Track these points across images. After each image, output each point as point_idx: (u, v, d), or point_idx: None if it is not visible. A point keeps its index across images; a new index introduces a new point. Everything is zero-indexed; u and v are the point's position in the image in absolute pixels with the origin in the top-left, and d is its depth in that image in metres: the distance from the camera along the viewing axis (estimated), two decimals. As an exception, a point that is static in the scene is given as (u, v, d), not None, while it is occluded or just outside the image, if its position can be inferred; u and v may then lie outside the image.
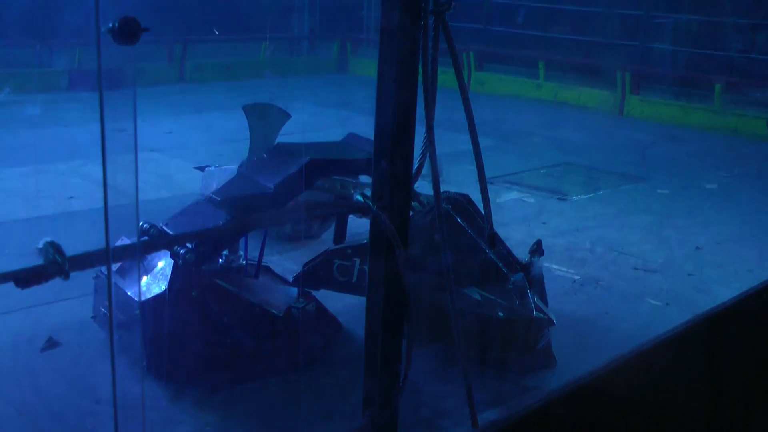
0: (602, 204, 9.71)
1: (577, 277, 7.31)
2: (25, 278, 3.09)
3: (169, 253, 5.17)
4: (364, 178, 6.59)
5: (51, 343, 5.64)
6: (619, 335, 6.16)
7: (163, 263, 5.33)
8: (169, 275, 5.15)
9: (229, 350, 5.28)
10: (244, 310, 5.35)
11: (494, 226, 5.05)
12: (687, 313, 6.50)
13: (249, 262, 5.76)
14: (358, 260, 5.72)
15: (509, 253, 5.84)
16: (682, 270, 7.61)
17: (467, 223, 5.67)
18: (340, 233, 5.99)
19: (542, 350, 5.70)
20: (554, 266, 7.48)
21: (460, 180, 9.50)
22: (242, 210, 5.28)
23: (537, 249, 5.93)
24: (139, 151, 3.39)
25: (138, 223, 5.03)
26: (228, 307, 5.30)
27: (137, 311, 5.08)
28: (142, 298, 5.12)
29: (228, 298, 5.33)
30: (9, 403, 5.00)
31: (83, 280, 5.16)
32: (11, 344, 5.70)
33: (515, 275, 5.64)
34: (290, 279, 5.89)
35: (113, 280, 5.29)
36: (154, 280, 5.29)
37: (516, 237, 8.15)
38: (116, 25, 2.71)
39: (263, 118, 7.72)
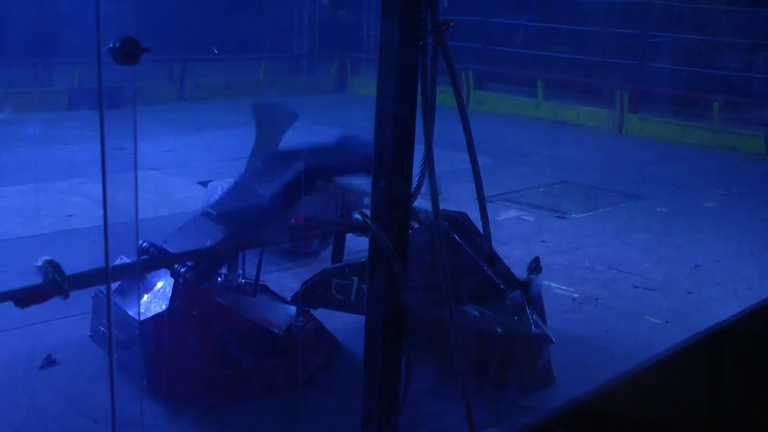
0: (601, 222, 9.72)
1: (576, 296, 7.30)
2: (24, 297, 3.09)
3: (168, 271, 5.17)
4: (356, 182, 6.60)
5: (49, 361, 5.63)
6: (619, 353, 6.15)
7: (162, 282, 5.32)
8: (170, 294, 5.14)
9: (228, 369, 5.26)
10: (245, 329, 5.33)
11: (493, 245, 5.06)
12: (686, 331, 6.50)
13: (246, 280, 5.75)
14: (356, 279, 5.71)
15: (507, 270, 5.84)
16: (681, 288, 7.60)
17: (465, 241, 5.67)
18: (339, 252, 5.99)
19: (541, 368, 5.69)
20: (553, 284, 7.48)
21: (459, 198, 9.51)
22: (239, 225, 5.29)
23: (535, 266, 5.93)
24: (138, 170, 3.39)
25: (137, 242, 5.03)
26: (228, 326, 5.29)
27: (137, 330, 5.06)
28: (142, 317, 5.10)
29: (228, 316, 5.32)
30: (6, 421, 4.98)
31: (82, 298, 5.16)
32: (9, 362, 5.68)
33: (513, 292, 5.64)
34: (288, 297, 5.88)
35: (112, 299, 5.28)
36: (153, 298, 5.27)
37: (515, 255, 8.15)
38: (117, 45, 2.73)
39: (271, 118, 7.68)
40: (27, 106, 15.00)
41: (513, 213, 9.91)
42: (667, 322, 6.82)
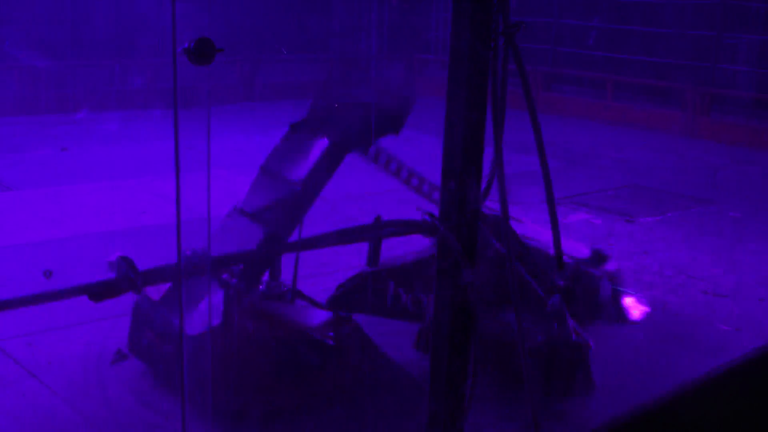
0: (671, 226, 9.57)
1: (644, 300, 7.20)
2: (98, 292, 3.18)
3: (209, 281, 4.74)
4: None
5: (120, 356, 5.74)
6: (688, 360, 6.05)
7: (207, 293, 4.99)
8: (221, 305, 4.86)
9: (283, 381, 5.08)
10: (297, 340, 5.13)
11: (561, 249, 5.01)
12: (759, 339, 6.37)
13: (286, 287, 5.50)
14: (392, 283, 5.62)
15: (545, 273, 5.72)
16: (753, 295, 7.44)
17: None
18: (374, 256, 5.85)
19: (581, 374, 5.61)
20: (621, 289, 7.39)
21: (527, 200, 9.48)
22: (277, 223, 4.92)
23: (598, 257, 5.70)
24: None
25: (208, 241, 4.98)
26: (281, 337, 5.08)
27: (191, 344, 4.84)
28: (194, 332, 4.85)
29: (279, 327, 5.11)
30: (79, 412, 5.11)
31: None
32: (82, 355, 5.82)
33: (552, 297, 5.54)
34: (320, 301, 5.73)
35: (158, 309, 5.13)
36: (204, 311, 4.99)
37: (583, 259, 8.09)
38: (192, 45, 2.78)
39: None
40: (103, 106, 15.34)
41: (581, 215, 9.82)
42: (738, 329, 6.68)
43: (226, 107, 15.90)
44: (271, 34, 18.64)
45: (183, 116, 2.97)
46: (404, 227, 5.47)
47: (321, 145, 4.95)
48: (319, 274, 7.26)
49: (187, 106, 2.99)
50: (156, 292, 5.19)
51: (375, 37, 21.15)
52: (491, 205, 4.16)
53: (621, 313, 6.70)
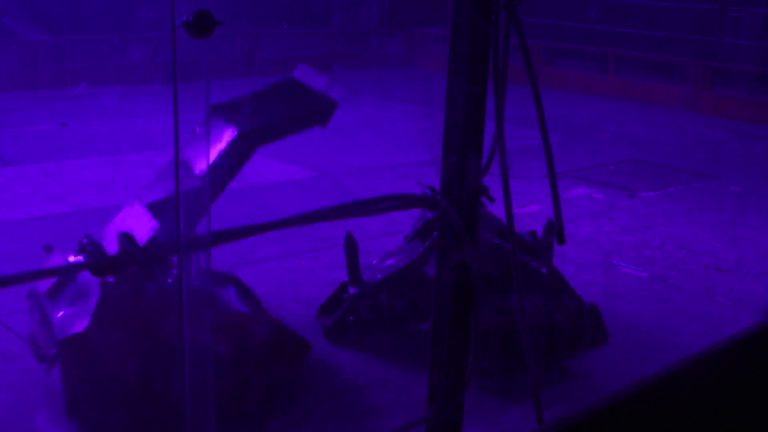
0: (672, 201, 9.56)
1: (645, 275, 7.21)
2: (101, 267, 3.18)
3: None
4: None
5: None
6: (689, 335, 6.07)
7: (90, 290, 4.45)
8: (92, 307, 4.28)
9: (172, 393, 4.33)
10: (187, 346, 3.96)
11: (562, 222, 5.01)
12: (759, 313, 6.38)
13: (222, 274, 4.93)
14: (384, 295, 5.57)
15: (527, 242, 5.75)
16: (754, 270, 7.45)
17: (485, 228, 5.46)
18: (354, 268, 5.63)
19: (600, 330, 5.70)
20: (622, 264, 7.40)
21: (528, 175, 9.47)
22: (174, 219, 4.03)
23: (551, 229, 5.68)
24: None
25: (208, 214, 4.75)
26: (166, 340, 4.29)
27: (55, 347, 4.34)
28: (61, 335, 4.29)
29: (166, 328, 4.30)
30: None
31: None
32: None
33: (543, 269, 5.54)
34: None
35: (42, 302, 4.68)
36: (78, 310, 4.40)
37: (584, 233, 8.09)
38: (191, 18, 2.76)
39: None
40: (102, 80, 15.29)
41: (582, 190, 9.81)
42: (738, 304, 6.69)
43: (225, 82, 15.84)
44: (272, 8, 18.54)
45: (182, 90, 2.95)
46: (405, 201, 5.45)
47: (230, 134, 4.48)
48: (322, 248, 7.28)
49: (186, 80, 2.98)
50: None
51: (376, 10, 21.05)
52: (492, 179, 4.15)
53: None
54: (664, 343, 5.93)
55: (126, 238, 3.14)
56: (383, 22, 21.47)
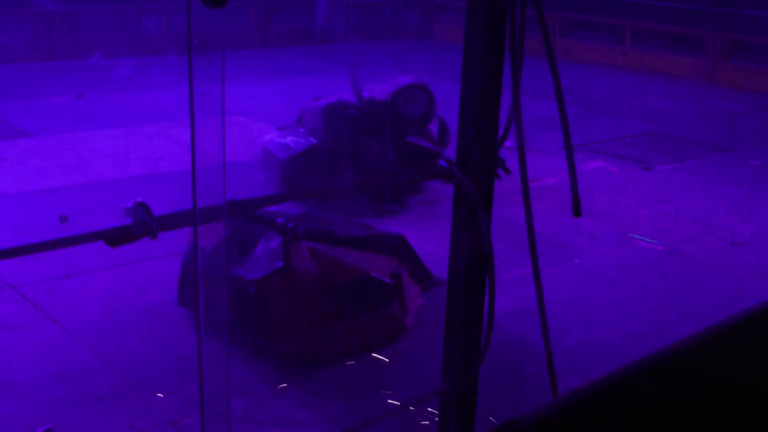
0: (689, 174, 9.50)
1: (660, 248, 7.19)
2: (115, 238, 3.18)
3: (260, 232, 5.17)
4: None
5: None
6: (705, 308, 6.05)
7: (263, 241, 5.30)
8: (281, 251, 5.13)
9: (342, 322, 5.24)
10: (357, 281, 5.32)
11: (578, 195, 4.98)
12: (776, 288, 6.36)
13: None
14: None
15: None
16: (771, 243, 7.42)
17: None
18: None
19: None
20: (637, 236, 7.37)
21: (545, 147, 9.43)
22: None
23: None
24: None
25: (224, 186, 4.99)
26: (342, 279, 5.28)
27: (251, 289, 5.03)
28: (255, 276, 5.06)
29: (340, 269, 5.32)
30: (98, 356, 5.17)
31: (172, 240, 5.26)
32: (101, 300, 5.87)
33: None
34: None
35: (211, 259, 5.27)
36: (260, 258, 5.22)
37: (598, 206, 8.06)
38: (206, -12, 2.74)
39: None
40: (117, 51, 15.28)
41: (598, 163, 9.76)
42: (755, 278, 6.66)
43: (240, 53, 15.81)
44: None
45: (197, 62, 2.94)
46: (421, 173, 5.47)
47: None
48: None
49: (201, 51, 2.96)
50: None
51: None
52: (508, 151, 4.14)
53: None
54: (679, 316, 5.92)
55: (142, 208, 3.15)
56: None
